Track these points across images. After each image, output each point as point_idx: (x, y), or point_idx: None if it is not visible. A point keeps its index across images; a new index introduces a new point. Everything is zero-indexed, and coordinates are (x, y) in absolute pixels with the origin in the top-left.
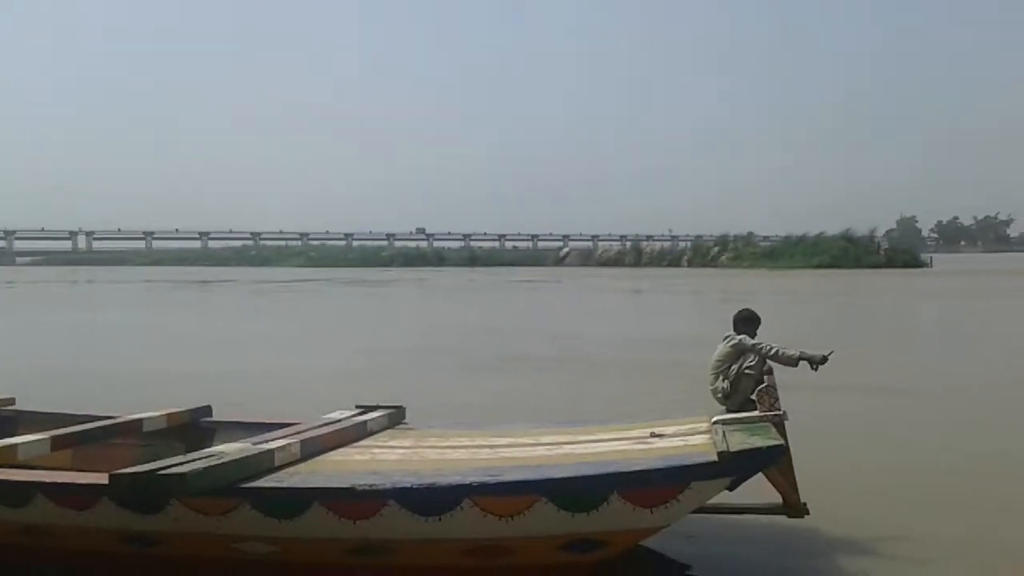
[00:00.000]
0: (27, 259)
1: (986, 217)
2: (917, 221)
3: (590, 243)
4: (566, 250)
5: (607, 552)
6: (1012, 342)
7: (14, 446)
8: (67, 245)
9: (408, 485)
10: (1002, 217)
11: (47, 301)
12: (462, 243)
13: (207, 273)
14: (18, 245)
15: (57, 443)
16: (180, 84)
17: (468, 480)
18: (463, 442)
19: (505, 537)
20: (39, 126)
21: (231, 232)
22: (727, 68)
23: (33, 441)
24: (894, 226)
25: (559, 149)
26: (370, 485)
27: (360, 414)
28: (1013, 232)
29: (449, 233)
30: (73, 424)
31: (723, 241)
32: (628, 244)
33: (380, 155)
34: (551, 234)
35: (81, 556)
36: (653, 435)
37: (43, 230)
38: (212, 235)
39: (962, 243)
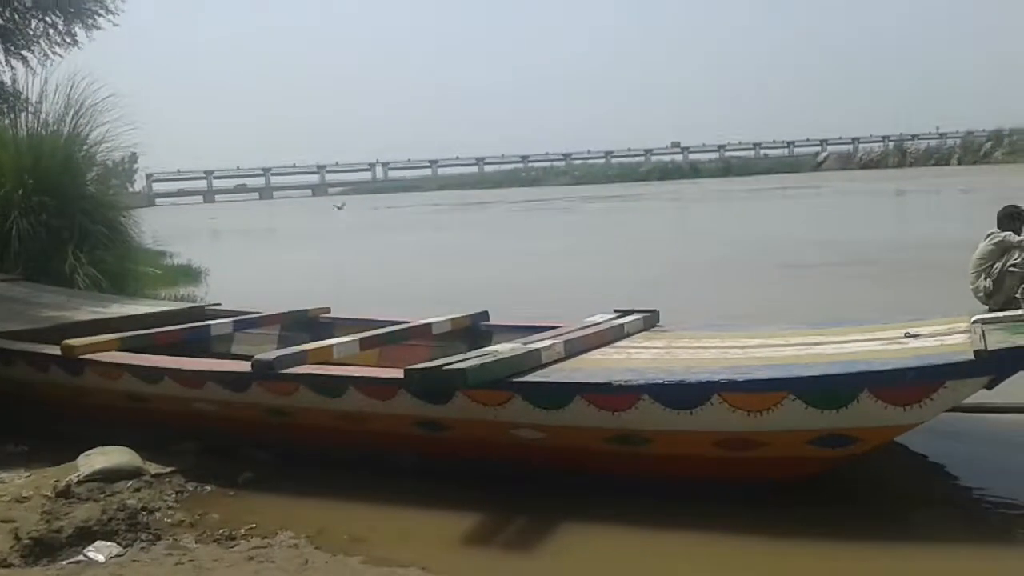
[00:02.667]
0: (337, 190)
1: None
2: None
3: (850, 146)
4: (824, 155)
5: (858, 448)
6: None
7: (331, 347)
8: (368, 176)
9: (660, 381)
10: None
11: (358, 226)
12: (716, 154)
13: (483, 195)
14: (329, 178)
15: (364, 344)
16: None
17: (717, 377)
18: (714, 343)
19: (753, 431)
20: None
21: (503, 157)
22: None
23: (345, 342)
24: None
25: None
26: (625, 381)
27: (617, 318)
28: None
29: (703, 145)
30: (377, 328)
31: (997, 135)
32: (891, 145)
33: (634, 69)
34: (808, 140)
35: (385, 438)
36: (908, 335)
37: (348, 164)
38: (487, 160)
39: None
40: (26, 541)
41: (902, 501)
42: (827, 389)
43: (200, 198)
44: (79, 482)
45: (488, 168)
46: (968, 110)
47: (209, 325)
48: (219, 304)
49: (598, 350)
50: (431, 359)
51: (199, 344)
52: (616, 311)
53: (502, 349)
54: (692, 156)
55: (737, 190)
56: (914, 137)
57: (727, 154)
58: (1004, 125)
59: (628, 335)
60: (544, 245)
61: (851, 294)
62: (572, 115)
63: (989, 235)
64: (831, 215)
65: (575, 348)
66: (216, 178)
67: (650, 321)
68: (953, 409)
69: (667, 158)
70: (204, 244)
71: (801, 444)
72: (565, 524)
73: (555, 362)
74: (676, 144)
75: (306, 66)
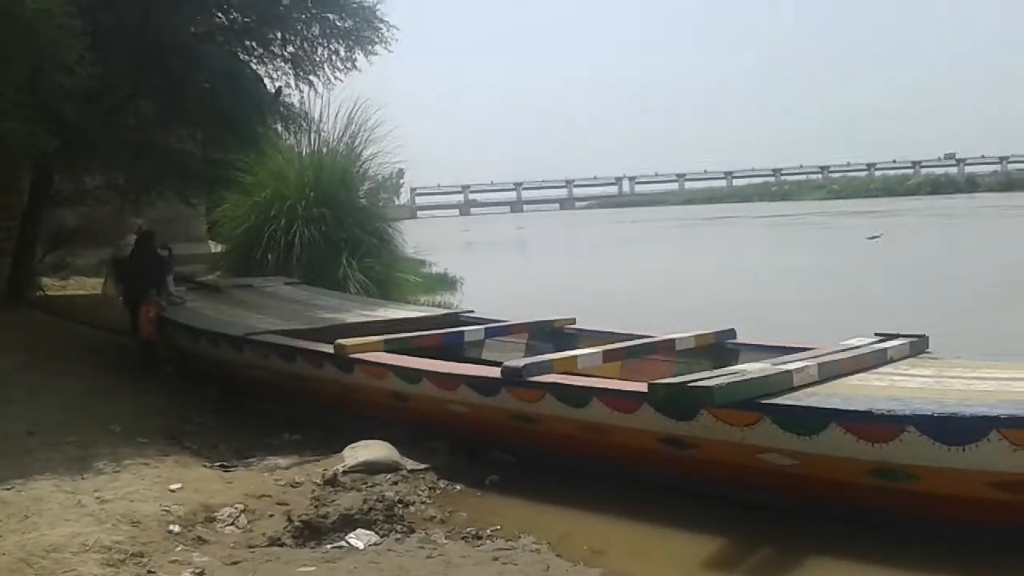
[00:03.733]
0: (584, 203)
1: None
2: None
3: None
4: None
5: None
6: None
7: (575, 357)
8: (614, 190)
9: (929, 413)
10: None
11: (595, 239)
12: (998, 167)
13: (726, 210)
14: (576, 192)
15: (607, 356)
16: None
17: (996, 412)
18: (993, 374)
19: None
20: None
21: (753, 170)
22: None
23: (589, 354)
24: None
25: None
26: (888, 410)
27: (879, 341)
28: None
29: (983, 156)
30: (619, 341)
31: None
32: None
33: (896, 72)
34: None
35: (629, 452)
36: None
37: (595, 178)
38: (736, 174)
39: None
40: (297, 523)
41: None
42: None
43: (456, 211)
44: (344, 472)
45: (737, 181)
46: None
47: (463, 331)
48: (472, 311)
49: (857, 375)
50: (674, 375)
51: (453, 349)
52: (878, 334)
53: (751, 368)
54: (969, 168)
55: (1021, 206)
56: None
57: (1011, 166)
58: None
59: (891, 361)
60: (790, 262)
61: None
62: (827, 125)
63: None
64: None
65: (831, 372)
66: (472, 192)
67: (917, 347)
68: None
69: (939, 170)
70: (459, 254)
71: None
72: (813, 559)
73: (808, 385)
74: (950, 155)
75: (560, 88)
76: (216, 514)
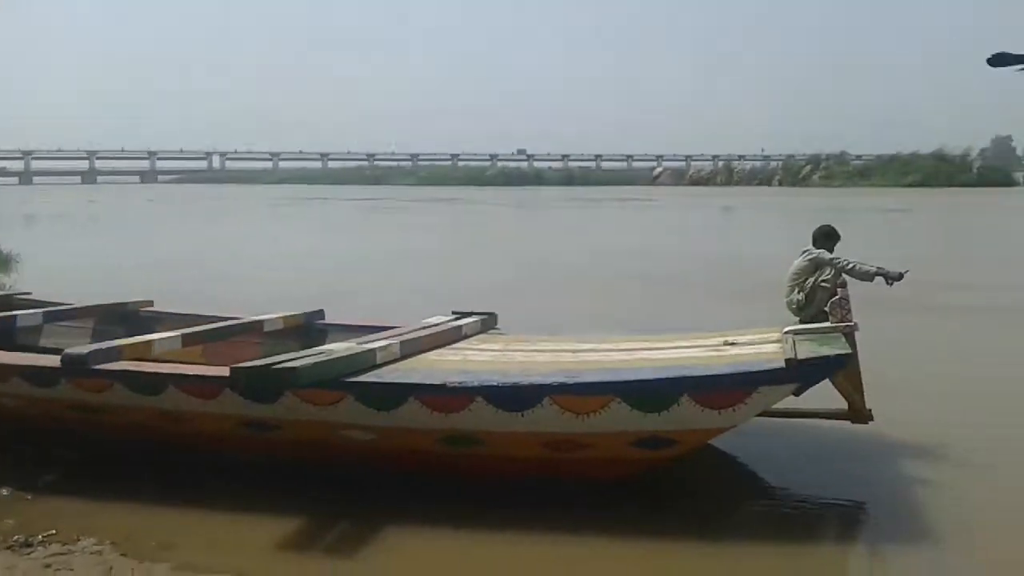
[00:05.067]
0: (169, 178)
1: None
2: (1013, 141)
3: (683, 163)
4: (659, 170)
5: (677, 449)
6: None
7: (150, 342)
8: (203, 165)
9: (494, 383)
10: None
11: (183, 216)
12: (561, 163)
13: (323, 192)
14: (160, 165)
15: (188, 340)
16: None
17: (548, 380)
18: (548, 347)
19: (581, 432)
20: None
21: (349, 153)
22: None
23: (167, 338)
24: (988, 145)
25: (657, 70)
26: (460, 382)
27: (455, 320)
28: None
29: (548, 154)
30: (202, 323)
31: (815, 160)
32: (720, 164)
33: (485, 77)
34: (646, 154)
35: (209, 438)
36: (727, 343)
37: (181, 151)
38: (331, 156)
39: None
40: None
41: (713, 501)
42: (650, 393)
43: (16, 179)
44: None
45: (332, 164)
46: (790, 135)
47: (15, 315)
48: (29, 294)
49: (435, 351)
50: (260, 357)
51: (4, 335)
52: (455, 313)
53: (336, 348)
54: (537, 164)
55: (577, 199)
56: (740, 158)
57: (571, 163)
58: (822, 151)
59: (466, 337)
60: (381, 246)
61: (678, 303)
62: (419, 118)
63: (804, 251)
64: (666, 227)
65: (411, 349)
66: (35, 159)
67: (488, 324)
68: (763, 413)
69: (513, 164)
70: (17, 229)
71: (625, 446)
72: (388, 528)
73: (391, 362)
74: (522, 151)
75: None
76: None
